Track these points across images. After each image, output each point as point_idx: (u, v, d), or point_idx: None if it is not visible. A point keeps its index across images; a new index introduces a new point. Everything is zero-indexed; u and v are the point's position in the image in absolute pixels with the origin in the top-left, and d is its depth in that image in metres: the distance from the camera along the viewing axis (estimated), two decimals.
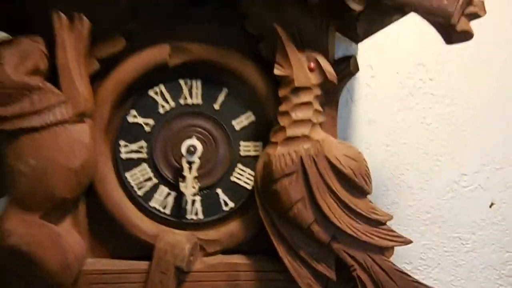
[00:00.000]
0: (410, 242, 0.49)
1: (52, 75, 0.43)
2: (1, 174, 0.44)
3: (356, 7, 0.41)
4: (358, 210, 0.46)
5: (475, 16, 0.42)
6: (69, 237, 0.44)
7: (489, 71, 0.73)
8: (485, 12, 0.42)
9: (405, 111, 0.73)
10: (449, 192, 0.74)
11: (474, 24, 0.44)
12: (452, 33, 0.42)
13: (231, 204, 0.51)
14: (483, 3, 0.42)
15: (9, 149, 0.41)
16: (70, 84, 0.41)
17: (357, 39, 0.59)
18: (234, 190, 0.51)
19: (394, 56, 0.72)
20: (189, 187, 0.48)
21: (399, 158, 0.73)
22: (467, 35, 0.42)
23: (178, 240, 0.48)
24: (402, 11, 0.41)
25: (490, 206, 0.75)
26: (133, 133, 0.49)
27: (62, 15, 0.41)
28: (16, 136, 0.41)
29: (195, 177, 0.48)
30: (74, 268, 0.44)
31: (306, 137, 0.45)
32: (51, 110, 0.41)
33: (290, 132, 0.45)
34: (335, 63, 0.48)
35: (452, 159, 0.74)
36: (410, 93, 0.73)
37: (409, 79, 0.72)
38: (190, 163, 0.48)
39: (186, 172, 0.47)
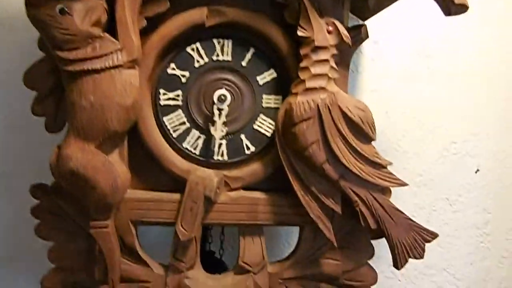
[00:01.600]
0: (406, 184, 0.57)
1: (110, 27, 0.50)
2: (62, 112, 0.52)
3: None
4: (364, 153, 0.54)
5: None
6: (117, 165, 0.51)
7: (483, 47, 0.81)
8: None
9: (404, 83, 0.81)
10: (440, 158, 0.83)
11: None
12: (451, 6, 0.50)
13: (252, 149, 0.58)
14: None
15: (73, 87, 0.48)
16: (126, 35, 0.49)
17: (366, 16, 0.67)
18: (255, 136, 0.58)
19: (396, 33, 0.79)
20: (218, 130, 0.55)
21: (397, 126, 0.81)
22: (463, 8, 0.50)
23: (208, 174, 0.56)
24: None
25: (476, 172, 0.84)
26: (171, 83, 0.56)
27: None
28: (79, 76, 0.48)
29: (223, 123, 0.56)
30: (121, 192, 0.52)
31: (322, 89, 0.52)
32: (109, 56, 0.48)
33: (309, 84, 0.52)
34: (349, 30, 0.56)
35: (444, 129, 0.82)
36: (409, 67, 0.81)
37: (409, 55, 0.80)
38: (220, 110, 0.55)
39: (216, 117, 0.55)
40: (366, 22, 0.76)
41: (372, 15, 0.66)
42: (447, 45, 0.81)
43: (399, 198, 0.80)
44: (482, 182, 0.84)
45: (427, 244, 0.84)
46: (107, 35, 0.49)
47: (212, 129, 0.55)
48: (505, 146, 0.83)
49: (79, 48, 0.47)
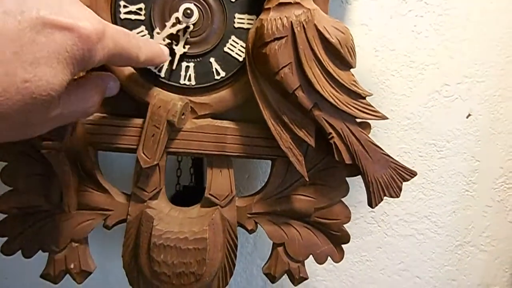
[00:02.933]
0: (386, 118, 0.53)
1: None
2: None
3: None
4: (341, 80, 0.49)
5: None
6: None
7: None
8: None
9: (398, 18, 0.75)
10: (430, 101, 0.78)
11: None
12: None
13: (222, 74, 0.54)
14: None
15: None
16: None
17: None
18: (226, 60, 0.54)
19: None
20: (179, 47, 0.50)
21: (386, 64, 0.76)
22: None
23: (172, 97, 0.51)
24: None
25: (467, 117, 0.79)
26: None
27: None
28: None
29: (186, 40, 0.51)
30: None
31: (298, 4, 0.47)
32: None
33: None
34: None
35: (437, 69, 0.77)
36: (404, 1, 0.74)
37: None
38: (185, 27, 0.50)
39: (180, 33, 0.50)
40: None
41: None
42: None
43: (384, 143, 0.77)
44: (472, 128, 0.80)
45: (409, 192, 0.82)
46: None
47: (175, 47, 0.51)
48: (500, 91, 0.78)
49: None
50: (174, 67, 0.52)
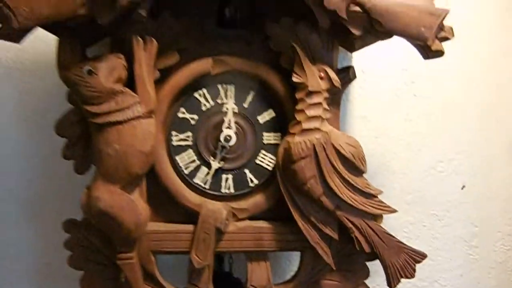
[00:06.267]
0: (395, 211, 0.63)
1: (129, 83, 0.57)
2: (89, 156, 0.59)
3: (357, 32, 0.55)
4: (356, 185, 0.61)
5: (445, 39, 0.56)
6: (139, 203, 0.57)
7: (461, 77, 0.88)
8: (453, 35, 0.56)
9: (392, 109, 0.87)
10: (428, 176, 0.89)
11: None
12: (428, 51, 0.56)
13: (255, 181, 0.65)
14: (451, 28, 0.56)
15: (100, 138, 0.55)
16: (144, 89, 0.55)
17: (353, 50, 0.73)
18: (258, 170, 0.65)
19: (382, 62, 0.86)
20: (216, 163, 0.63)
21: (386, 148, 0.88)
22: (439, 53, 0.56)
23: (217, 207, 0.62)
24: (390, 35, 0.56)
25: (462, 188, 0.90)
26: (182, 125, 0.63)
27: (139, 39, 0.55)
28: (105, 128, 0.54)
29: (223, 157, 0.63)
30: (143, 227, 0.58)
31: (317, 129, 0.59)
32: (130, 108, 0.54)
33: (305, 125, 0.59)
34: (338, 72, 0.63)
35: (430, 149, 0.89)
36: (396, 94, 0.87)
37: (395, 82, 0.87)
38: (223, 148, 0.62)
39: (218, 151, 0.62)
40: (354, 53, 0.83)
41: (358, 49, 0.72)
42: (430, 72, 0.87)
43: (391, 216, 0.87)
44: (468, 198, 0.90)
45: None
46: (127, 89, 0.56)
47: (211, 159, 0.63)
48: (488, 161, 0.90)
49: (104, 103, 0.54)
50: (210, 178, 0.63)
